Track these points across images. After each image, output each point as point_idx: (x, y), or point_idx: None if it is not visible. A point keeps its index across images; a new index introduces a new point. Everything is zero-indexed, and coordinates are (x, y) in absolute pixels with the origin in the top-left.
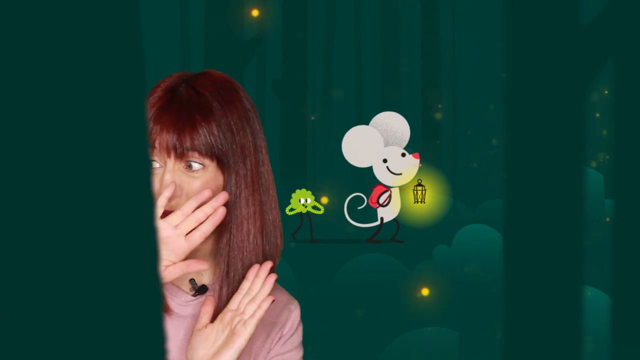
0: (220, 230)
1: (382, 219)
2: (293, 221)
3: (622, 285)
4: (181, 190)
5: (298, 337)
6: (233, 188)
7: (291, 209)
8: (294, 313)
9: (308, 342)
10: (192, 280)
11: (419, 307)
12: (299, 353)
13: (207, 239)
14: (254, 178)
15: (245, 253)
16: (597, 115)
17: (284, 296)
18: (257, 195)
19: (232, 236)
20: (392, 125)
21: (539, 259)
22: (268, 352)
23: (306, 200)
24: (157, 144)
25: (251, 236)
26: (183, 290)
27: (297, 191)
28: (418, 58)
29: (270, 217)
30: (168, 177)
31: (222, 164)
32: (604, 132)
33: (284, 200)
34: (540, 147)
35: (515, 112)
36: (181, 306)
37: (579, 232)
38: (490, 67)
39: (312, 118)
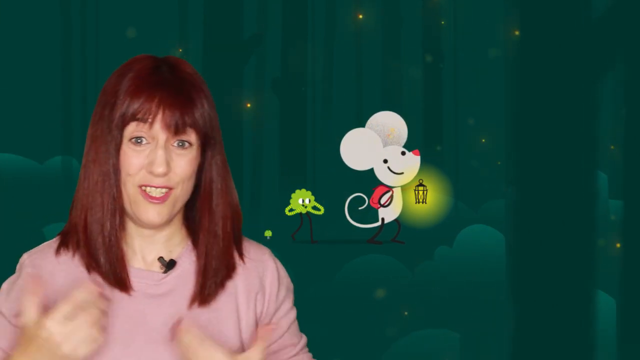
0: (194, 204)
1: (383, 219)
2: (293, 221)
3: (629, 287)
4: (169, 167)
5: (284, 286)
6: (215, 166)
7: (291, 209)
8: (269, 264)
9: (308, 344)
10: (160, 259)
11: (420, 309)
12: (292, 309)
13: (178, 213)
14: (224, 164)
15: (220, 230)
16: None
17: (255, 248)
18: (229, 176)
19: (212, 213)
20: (389, 124)
21: (543, 260)
22: (257, 320)
23: (306, 201)
24: (157, 122)
25: (226, 214)
26: (152, 271)
27: (297, 191)
28: (420, 57)
29: (235, 200)
30: (161, 152)
31: (206, 143)
32: None
33: (284, 201)
34: (545, 148)
35: (521, 111)
36: (155, 286)
37: (584, 233)
38: (493, 65)
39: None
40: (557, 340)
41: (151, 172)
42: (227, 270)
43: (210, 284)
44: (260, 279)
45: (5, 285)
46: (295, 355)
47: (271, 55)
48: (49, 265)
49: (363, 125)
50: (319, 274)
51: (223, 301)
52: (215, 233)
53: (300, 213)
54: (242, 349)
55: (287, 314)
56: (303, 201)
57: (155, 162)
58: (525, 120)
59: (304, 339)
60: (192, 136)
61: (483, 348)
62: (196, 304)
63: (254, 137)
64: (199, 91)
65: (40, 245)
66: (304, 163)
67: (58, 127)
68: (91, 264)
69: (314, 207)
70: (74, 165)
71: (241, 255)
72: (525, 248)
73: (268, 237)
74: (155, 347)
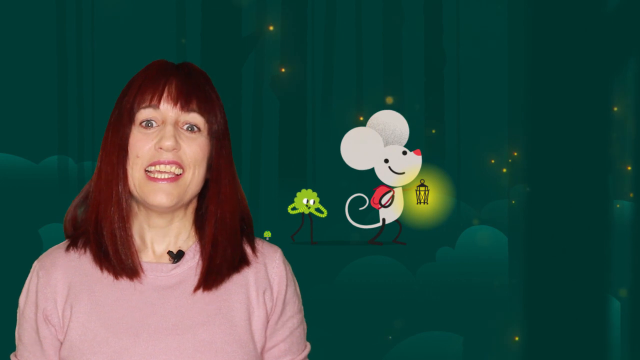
0: (202, 201)
1: (384, 220)
2: (293, 222)
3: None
4: (178, 144)
5: (292, 289)
6: (222, 159)
7: (294, 208)
8: (279, 264)
9: (310, 346)
10: (170, 252)
11: (422, 311)
12: (297, 314)
13: (188, 206)
14: (232, 160)
15: (229, 219)
16: None
17: (267, 246)
18: (235, 175)
19: (221, 202)
20: (390, 124)
21: (545, 261)
22: (267, 318)
23: (310, 202)
24: (164, 101)
25: (235, 208)
26: (162, 263)
27: (303, 191)
28: (421, 55)
29: (244, 200)
30: (170, 128)
31: (212, 134)
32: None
33: (286, 200)
34: (552, 148)
35: (526, 109)
36: (166, 277)
37: (592, 234)
38: (495, 64)
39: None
40: (565, 342)
41: (160, 148)
42: (233, 261)
43: (217, 269)
44: (269, 276)
45: (20, 304)
46: None
47: (270, 54)
48: (59, 264)
49: (364, 125)
50: (319, 275)
51: (234, 291)
52: (224, 220)
53: (303, 213)
54: (252, 341)
55: (291, 319)
56: (307, 202)
57: (164, 137)
58: (529, 120)
59: (307, 349)
60: (199, 120)
61: (486, 350)
62: (201, 289)
63: (253, 137)
64: (209, 84)
65: (48, 250)
66: (304, 163)
67: (54, 126)
68: (100, 257)
69: (317, 209)
70: (69, 164)
71: (254, 250)
72: (529, 249)
73: (267, 238)
74: (164, 338)
